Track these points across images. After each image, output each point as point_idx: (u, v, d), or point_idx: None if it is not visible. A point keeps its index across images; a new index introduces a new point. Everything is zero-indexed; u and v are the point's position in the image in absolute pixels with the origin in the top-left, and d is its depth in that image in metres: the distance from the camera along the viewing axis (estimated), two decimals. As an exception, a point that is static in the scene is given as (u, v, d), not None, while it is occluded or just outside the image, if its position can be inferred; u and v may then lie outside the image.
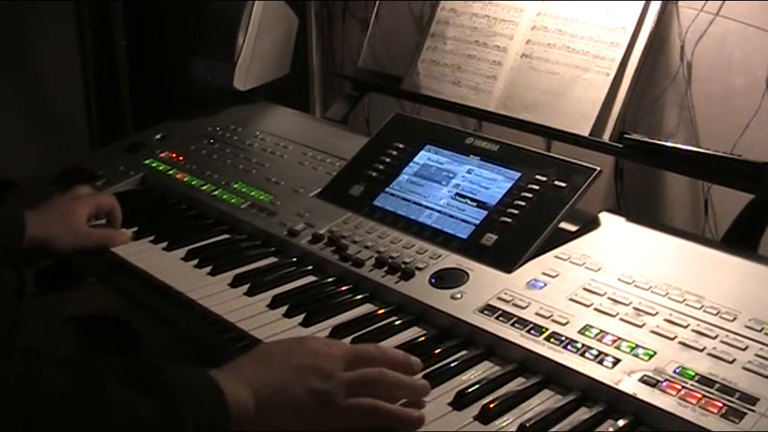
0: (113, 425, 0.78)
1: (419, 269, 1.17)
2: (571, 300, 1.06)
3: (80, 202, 1.36)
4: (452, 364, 1.00)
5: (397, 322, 1.10)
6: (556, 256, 1.15)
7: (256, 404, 0.86)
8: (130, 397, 0.80)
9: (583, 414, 0.91)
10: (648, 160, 1.35)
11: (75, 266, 1.42)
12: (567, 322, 1.02)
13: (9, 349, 0.77)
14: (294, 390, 0.88)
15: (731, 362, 0.93)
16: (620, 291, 1.06)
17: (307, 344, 0.95)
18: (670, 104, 1.53)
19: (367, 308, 1.15)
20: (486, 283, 1.12)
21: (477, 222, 1.23)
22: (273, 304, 1.14)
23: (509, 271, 1.13)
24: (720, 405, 0.87)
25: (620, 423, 0.89)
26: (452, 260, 1.18)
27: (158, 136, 1.72)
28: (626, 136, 1.33)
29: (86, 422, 0.77)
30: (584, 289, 1.08)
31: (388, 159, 1.39)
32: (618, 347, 0.97)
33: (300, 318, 1.11)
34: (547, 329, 1.01)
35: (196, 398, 0.83)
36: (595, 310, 1.04)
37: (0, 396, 0.75)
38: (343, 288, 1.19)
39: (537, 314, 1.04)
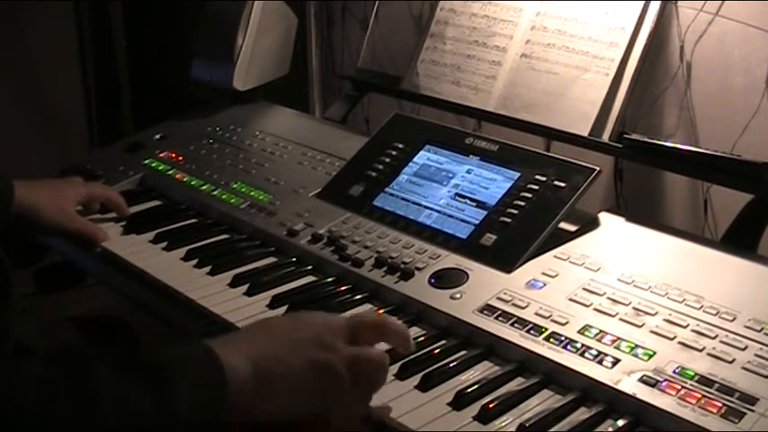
0: (102, 415, 0.75)
1: (418, 269, 1.17)
2: (570, 300, 1.06)
3: (71, 186, 1.41)
4: (452, 364, 0.99)
5: (396, 322, 1.10)
6: (555, 256, 1.15)
7: (255, 376, 0.84)
8: (121, 385, 0.78)
9: (582, 414, 0.91)
10: (648, 160, 1.35)
11: (75, 266, 1.42)
12: (567, 322, 1.02)
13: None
14: (294, 361, 0.86)
15: (731, 362, 0.93)
16: (620, 291, 1.06)
17: (305, 317, 0.94)
18: (669, 104, 1.53)
19: (366, 308, 1.15)
20: (485, 283, 1.12)
21: (477, 222, 1.23)
22: (273, 304, 1.14)
23: (508, 271, 1.13)
24: (720, 405, 0.87)
25: (620, 423, 0.89)
26: (452, 260, 1.18)
27: (158, 136, 1.72)
28: (625, 136, 1.33)
29: (73, 413, 0.75)
30: (584, 289, 1.08)
31: (387, 159, 1.39)
32: (617, 347, 0.97)
33: (300, 318, 1.11)
34: (546, 329, 1.01)
35: (192, 374, 0.80)
36: (595, 310, 1.04)
37: None
38: (343, 288, 1.19)
39: (536, 314, 1.04)
